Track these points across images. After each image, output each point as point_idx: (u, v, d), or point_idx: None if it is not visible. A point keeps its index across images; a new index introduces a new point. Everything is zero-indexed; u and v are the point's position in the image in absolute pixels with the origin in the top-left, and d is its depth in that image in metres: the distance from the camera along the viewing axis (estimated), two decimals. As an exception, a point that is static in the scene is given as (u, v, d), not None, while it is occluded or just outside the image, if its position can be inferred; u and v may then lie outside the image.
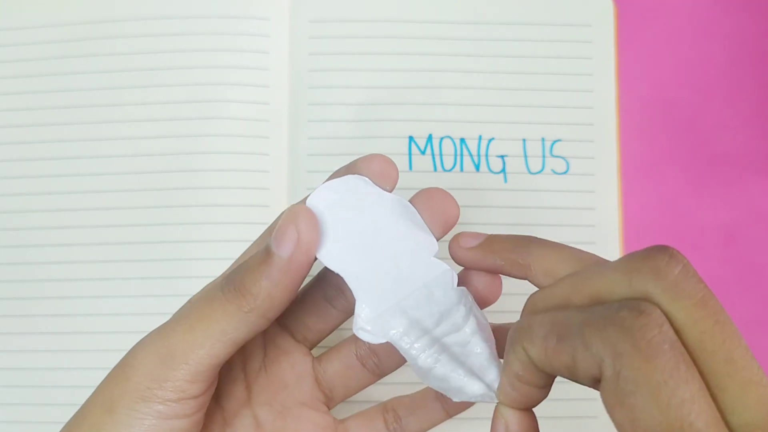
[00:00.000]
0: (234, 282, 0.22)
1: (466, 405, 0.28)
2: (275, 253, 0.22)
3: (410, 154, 0.36)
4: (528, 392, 0.21)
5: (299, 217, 0.22)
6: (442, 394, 0.24)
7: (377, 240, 0.23)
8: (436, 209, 0.25)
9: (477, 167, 0.37)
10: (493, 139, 0.37)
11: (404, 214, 0.24)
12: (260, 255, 0.22)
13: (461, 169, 0.37)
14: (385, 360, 0.28)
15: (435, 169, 0.36)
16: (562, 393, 0.35)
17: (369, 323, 0.23)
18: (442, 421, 0.28)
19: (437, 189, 0.26)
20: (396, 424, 0.28)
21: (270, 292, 0.22)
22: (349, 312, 0.27)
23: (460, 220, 0.36)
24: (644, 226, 0.37)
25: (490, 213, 0.36)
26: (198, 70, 0.37)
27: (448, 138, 0.37)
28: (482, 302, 0.25)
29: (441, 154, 0.37)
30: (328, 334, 0.28)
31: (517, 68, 0.37)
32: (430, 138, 0.37)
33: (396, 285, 0.23)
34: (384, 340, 0.23)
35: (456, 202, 0.26)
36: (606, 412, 0.18)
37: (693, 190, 0.38)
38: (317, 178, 0.36)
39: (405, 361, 0.25)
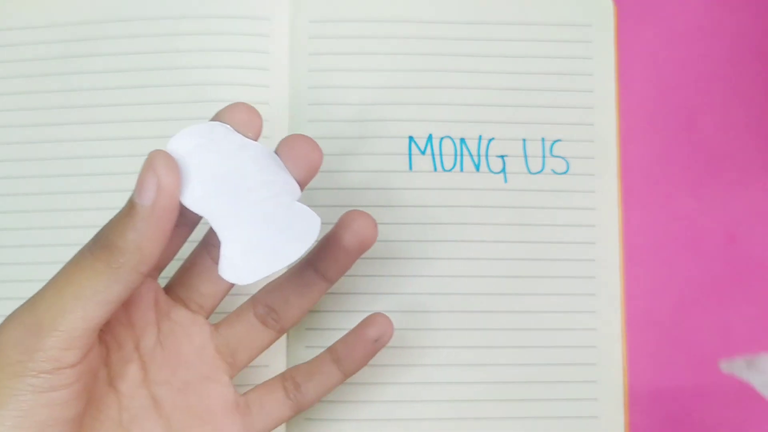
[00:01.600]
0: (100, 239, 0.22)
1: (361, 365, 0.30)
2: (138, 203, 0.21)
3: (410, 154, 0.37)
4: None
5: (157, 161, 0.22)
6: (337, 358, 0.28)
7: (241, 184, 0.23)
8: (299, 155, 0.25)
9: (477, 167, 0.37)
10: (493, 139, 0.37)
11: (268, 162, 0.24)
12: (124, 208, 0.22)
13: (461, 169, 0.37)
14: (284, 315, 0.28)
15: (435, 169, 0.37)
16: (562, 393, 0.35)
17: (235, 264, 0.23)
18: (339, 383, 0.30)
19: (300, 135, 0.26)
20: (296, 392, 0.29)
21: (138, 243, 0.21)
22: None
23: (461, 220, 0.36)
24: (644, 226, 0.37)
25: (490, 213, 0.36)
26: (198, 70, 0.37)
27: (448, 138, 0.37)
28: (363, 245, 0.27)
29: (441, 154, 0.37)
30: (223, 297, 0.28)
31: (517, 68, 0.37)
32: (430, 138, 0.37)
33: (261, 228, 0.23)
34: (252, 281, 0.23)
35: (318, 146, 0.26)
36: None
37: (693, 190, 0.38)
38: (317, 178, 0.36)
39: (304, 314, 0.28)
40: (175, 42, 0.37)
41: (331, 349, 0.30)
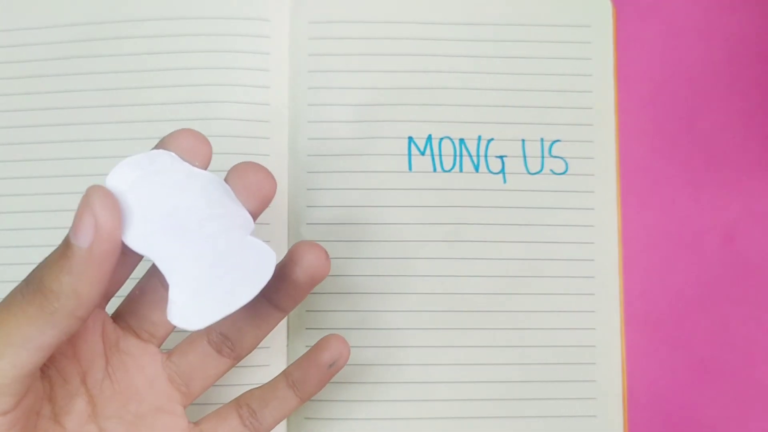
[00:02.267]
0: (33, 282, 0.20)
1: (318, 389, 0.28)
2: (74, 244, 0.19)
3: (410, 154, 0.37)
4: None
5: (94, 199, 0.20)
6: (293, 382, 0.27)
7: (189, 219, 0.21)
8: (250, 185, 0.24)
9: (476, 168, 0.37)
10: (492, 139, 0.37)
11: (217, 192, 0.22)
12: (59, 249, 0.20)
13: (461, 170, 0.37)
14: (239, 342, 0.27)
15: (434, 170, 0.37)
16: (561, 392, 0.36)
17: (184, 308, 0.21)
18: (296, 407, 0.28)
19: (250, 163, 0.24)
20: (252, 419, 0.27)
21: (74, 287, 0.20)
22: None
23: (460, 221, 0.36)
24: (643, 226, 0.37)
25: (490, 213, 0.36)
26: (198, 71, 0.37)
27: (448, 138, 0.37)
28: (314, 279, 0.26)
29: (440, 155, 0.37)
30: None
31: (516, 69, 0.37)
32: (429, 138, 0.37)
33: (211, 267, 0.22)
34: (203, 326, 0.21)
35: (272, 175, 0.24)
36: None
37: (692, 190, 0.38)
38: (317, 179, 0.36)
39: (259, 342, 0.26)
40: (175, 43, 0.37)
41: (286, 373, 0.28)
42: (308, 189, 0.36)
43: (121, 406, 0.25)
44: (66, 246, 0.20)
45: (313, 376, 0.28)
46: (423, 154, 0.37)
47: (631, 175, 0.38)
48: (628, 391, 0.36)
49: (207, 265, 0.21)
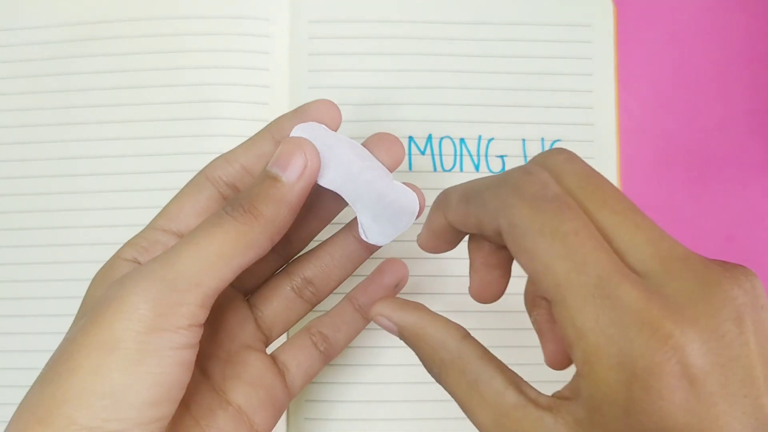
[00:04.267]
0: (242, 205, 0.23)
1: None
2: (283, 178, 0.23)
3: (410, 154, 0.37)
4: (439, 245, 0.24)
5: (305, 145, 0.24)
6: (359, 306, 0.30)
7: (352, 169, 0.26)
8: (385, 148, 0.27)
9: (477, 167, 0.37)
10: (492, 139, 0.37)
11: (361, 150, 0.27)
12: (265, 180, 0.23)
13: (461, 170, 0.37)
14: (321, 287, 0.29)
15: (435, 169, 0.37)
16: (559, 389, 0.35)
17: (371, 230, 0.26)
18: (363, 328, 0.30)
19: (386, 133, 0.28)
20: (325, 344, 0.29)
21: (279, 213, 0.23)
22: (288, 256, 0.29)
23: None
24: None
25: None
26: (198, 70, 0.37)
27: (448, 138, 0.37)
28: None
29: (441, 154, 0.37)
30: (264, 280, 0.29)
31: (517, 68, 0.37)
32: (429, 138, 0.37)
33: (377, 202, 0.26)
34: (385, 243, 0.27)
35: (401, 142, 0.28)
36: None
37: (692, 190, 0.38)
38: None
39: (338, 286, 0.29)
40: (175, 42, 0.37)
41: (350, 297, 0.30)
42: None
43: (217, 346, 0.27)
44: (274, 179, 0.23)
45: (379, 297, 0.30)
46: (423, 153, 0.37)
47: (632, 174, 0.38)
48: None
49: (375, 200, 0.26)
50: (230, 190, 0.26)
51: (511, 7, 0.38)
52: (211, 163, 0.26)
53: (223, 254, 0.22)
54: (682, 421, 0.16)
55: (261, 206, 0.23)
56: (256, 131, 0.27)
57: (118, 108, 0.37)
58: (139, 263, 0.24)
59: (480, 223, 0.21)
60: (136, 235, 0.25)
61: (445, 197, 0.23)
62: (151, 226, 0.25)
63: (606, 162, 0.37)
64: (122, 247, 0.25)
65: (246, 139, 0.27)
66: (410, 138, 0.37)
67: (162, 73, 0.37)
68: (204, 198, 0.25)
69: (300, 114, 0.26)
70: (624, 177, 0.37)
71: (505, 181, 0.20)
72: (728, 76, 0.39)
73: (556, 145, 0.37)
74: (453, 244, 0.24)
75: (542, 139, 0.37)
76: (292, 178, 0.23)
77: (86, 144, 0.37)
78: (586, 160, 0.36)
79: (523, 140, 0.37)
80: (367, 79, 0.37)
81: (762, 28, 0.39)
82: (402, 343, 0.35)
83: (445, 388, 0.23)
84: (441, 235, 0.24)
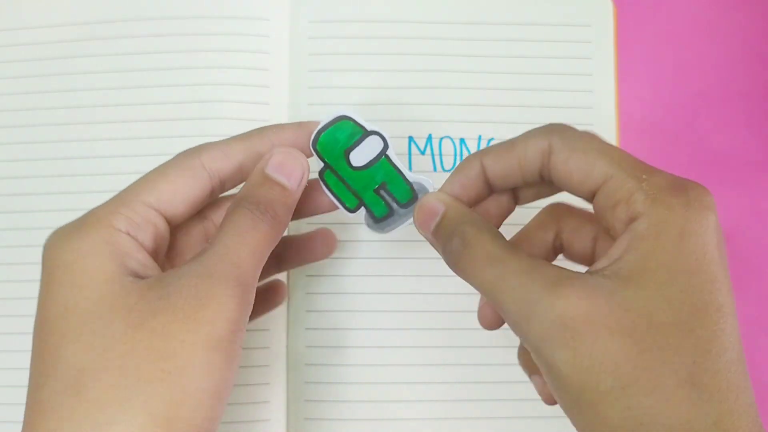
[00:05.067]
0: (269, 210, 0.25)
1: None
2: (288, 186, 0.26)
3: (410, 154, 0.37)
4: (466, 193, 0.26)
5: (301, 156, 0.27)
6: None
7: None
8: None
9: (477, 167, 0.37)
10: (492, 139, 0.37)
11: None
12: (276, 187, 0.26)
13: (461, 169, 0.37)
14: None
15: (435, 169, 0.37)
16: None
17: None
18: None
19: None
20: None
21: (288, 215, 0.26)
22: None
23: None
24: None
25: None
26: (198, 70, 0.37)
27: (448, 138, 0.37)
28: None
29: (441, 154, 0.37)
30: None
31: (517, 68, 0.37)
32: (429, 138, 0.37)
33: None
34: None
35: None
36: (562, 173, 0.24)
37: (692, 190, 0.38)
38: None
39: None
40: (175, 42, 0.37)
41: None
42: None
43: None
44: (282, 186, 0.26)
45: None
46: (423, 153, 0.37)
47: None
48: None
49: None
50: (219, 184, 0.27)
51: (511, 7, 0.38)
52: (208, 151, 0.26)
53: (264, 252, 0.25)
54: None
55: (278, 210, 0.25)
56: (254, 129, 0.27)
57: (118, 108, 0.37)
58: (135, 239, 0.24)
59: (524, 158, 0.25)
60: (124, 205, 0.25)
61: (485, 149, 0.26)
62: (142, 201, 0.25)
63: (606, 162, 0.37)
64: (112, 215, 0.24)
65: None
66: (410, 138, 0.37)
67: (162, 73, 0.37)
68: (199, 189, 0.26)
69: (304, 128, 0.28)
70: (624, 177, 0.37)
71: (546, 126, 0.26)
72: (728, 75, 0.39)
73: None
74: (478, 198, 0.27)
75: (542, 139, 0.37)
76: (294, 186, 0.26)
77: (86, 144, 0.37)
78: (586, 160, 0.37)
79: (523, 140, 0.37)
80: (367, 79, 0.37)
81: (761, 27, 0.39)
82: (401, 343, 0.36)
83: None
84: (471, 183, 0.26)
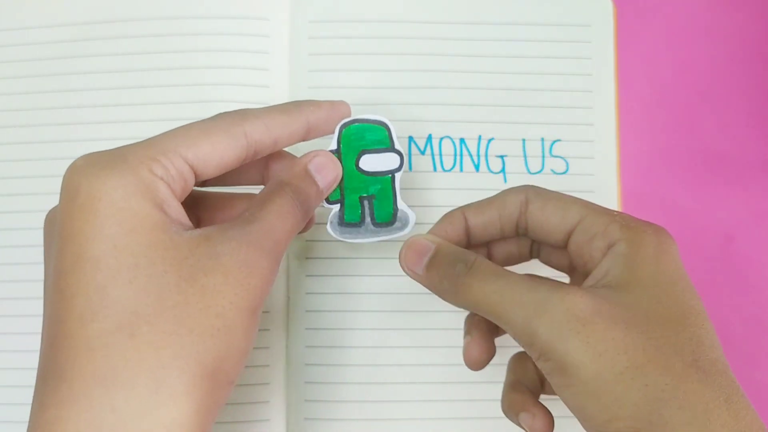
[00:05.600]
0: (304, 203, 0.28)
1: None
2: (321, 185, 0.29)
3: (410, 154, 0.37)
4: (449, 240, 0.28)
5: (337, 164, 0.30)
6: None
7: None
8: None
9: (477, 167, 0.37)
10: (492, 139, 0.37)
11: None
12: (313, 186, 0.29)
13: (461, 170, 0.37)
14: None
15: (435, 170, 0.37)
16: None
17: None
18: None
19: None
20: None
21: (313, 210, 0.29)
22: None
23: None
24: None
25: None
26: (198, 70, 0.37)
27: (448, 138, 0.37)
28: None
29: (441, 155, 0.37)
30: None
31: (517, 68, 0.37)
32: (429, 138, 0.37)
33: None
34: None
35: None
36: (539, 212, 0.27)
37: (692, 190, 0.38)
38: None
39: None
40: (175, 42, 0.37)
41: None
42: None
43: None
44: (317, 185, 0.29)
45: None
46: (423, 153, 0.37)
47: (632, 174, 0.38)
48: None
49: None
50: (254, 154, 0.28)
51: (511, 7, 0.38)
52: (251, 122, 0.27)
53: (292, 237, 0.27)
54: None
55: (310, 205, 0.28)
56: (291, 102, 0.29)
57: (118, 108, 0.37)
58: (170, 188, 0.24)
59: (502, 206, 0.28)
60: (162, 154, 0.24)
61: (463, 204, 0.29)
62: (180, 154, 0.25)
63: (605, 162, 0.37)
64: (152, 161, 0.24)
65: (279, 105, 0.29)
66: (410, 138, 0.37)
67: (162, 73, 0.37)
68: (235, 156, 0.26)
69: (336, 108, 0.30)
70: (624, 177, 0.37)
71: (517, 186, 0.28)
72: (728, 75, 0.39)
73: (556, 145, 0.37)
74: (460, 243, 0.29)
75: (542, 139, 0.37)
76: (326, 190, 0.29)
77: (87, 144, 0.36)
78: (586, 160, 0.37)
79: (523, 140, 0.37)
80: (367, 79, 0.37)
81: (761, 27, 0.39)
82: (401, 343, 0.36)
83: None
84: (454, 232, 0.28)
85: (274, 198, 0.26)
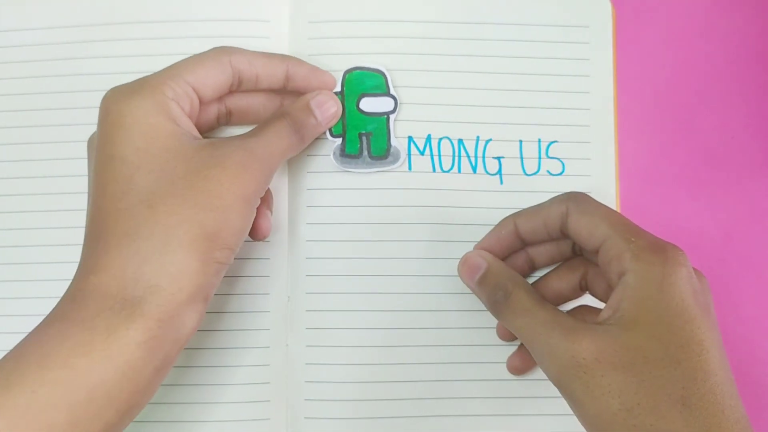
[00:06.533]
0: (300, 130, 0.33)
1: None
2: (320, 119, 0.34)
3: (410, 154, 0.37)
4: (501, 251, 0.34)
5: (338, 101, 0.35)
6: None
7: None
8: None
9: (474, 169, 0.37)
10: (490, 140, 0.37)
11: None
12: (311, 117, 0.34)
13: (459, 170, 0.37)
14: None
15: (434, 170, 0.37)
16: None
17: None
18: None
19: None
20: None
21: (310, 140, 0.34)
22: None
23: (457, 221, 0.36)
24: (642, 226, 0.37)
25: (487, 214, 0.36)
26: (198, 71, 0.37)
27: (447, 138, 0.37)
28: None
29: (440, 155, 0.37)
30: None
31: (515, 69, 0.37)
32: (429, 138, 0.37)
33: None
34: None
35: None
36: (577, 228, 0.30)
37: (691, 191, 0.38)
38: (318, 178, 0.36)
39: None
40: (175, 44, 0.37)
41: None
42: (308, 189, 0.36)
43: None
44: (316, 118, 0.34)
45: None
46: (422, 153, 0.37)
47: (630, 175, 0.37)
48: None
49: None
50: (238, 82, 0.33)
51: (509, 7, 0.38)
52: (236, 55, 0.32)
53: (285, 156, 0.33)
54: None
55: (306, 134, 0.33)
56: (273, 53, 0.34)
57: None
58: (180, 106, 0.30)
59: (547, 215, 0.32)
60: (171, 79, 0.30)
61: (514, 212, 0.34)
62: (184, 78, 0.31)
63: (604, 163, 0.37)
64: (164, 85, 0.30)
65: (263, 53, 0.34)
66: (409, 138, 0.37)
67: (163, 75, 0.37)
68: (224, 81, 0.32)
69: (317, 74, 0.35)
70: (622, 178, 0.37)
71: (563, 195, 0.32)
72: (726, 76, 0.39)
73: (553, 146, 0.37)
74: (508, 250, 0.34)
75: (539, 141, 0.37)
76: (324, 122, 0.34)
77: (86, 144, 0.37)
78: (584, 162, 0.37)
79: (520, 141, 0.37)
80: (366, 80, 0.37)
81: (760, 28, 0.39)
82: (400, 342, 0.36)
83: None
84: (504, 239, 0.34)
85: (274, 122, 0.32)
